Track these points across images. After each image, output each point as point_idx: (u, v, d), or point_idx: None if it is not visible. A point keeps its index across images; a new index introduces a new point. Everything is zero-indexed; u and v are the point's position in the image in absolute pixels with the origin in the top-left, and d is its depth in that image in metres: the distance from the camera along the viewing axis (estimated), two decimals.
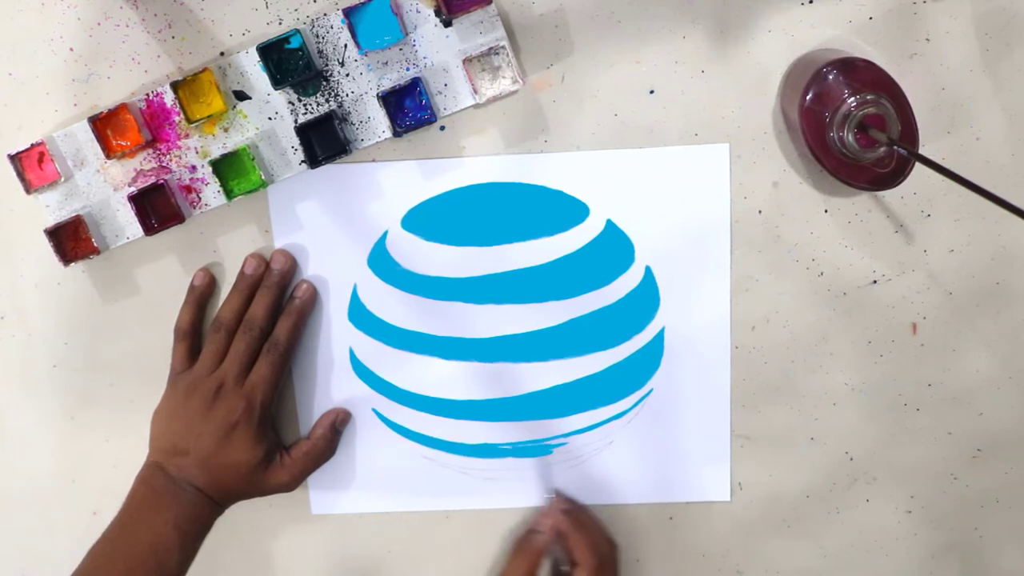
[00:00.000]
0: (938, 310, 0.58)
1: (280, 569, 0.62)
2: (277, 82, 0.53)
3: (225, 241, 0.57)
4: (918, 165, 0.51)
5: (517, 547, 0.58)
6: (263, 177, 0.54)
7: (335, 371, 0.59)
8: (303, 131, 0.54)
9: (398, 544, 0.62)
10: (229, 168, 0.54)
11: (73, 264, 0.55)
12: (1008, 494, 0.60)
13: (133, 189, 0.55)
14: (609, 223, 0.57)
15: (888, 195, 0.56)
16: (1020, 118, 0.55)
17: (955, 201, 0.56)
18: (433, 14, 0.53)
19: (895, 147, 0.49)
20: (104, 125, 0.53)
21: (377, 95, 0.53)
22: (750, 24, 0.54)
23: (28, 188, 0.54)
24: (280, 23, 0.54)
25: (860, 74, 0.51)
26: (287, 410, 0.60)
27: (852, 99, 0.50)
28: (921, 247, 0.57)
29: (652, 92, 0.55)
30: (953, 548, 0.61)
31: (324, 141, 0.54)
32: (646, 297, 0.58)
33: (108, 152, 0.53)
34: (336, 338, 0.59)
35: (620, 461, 0.60)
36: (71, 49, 0.55)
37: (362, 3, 0.52)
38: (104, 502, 0.60)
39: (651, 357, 0.58)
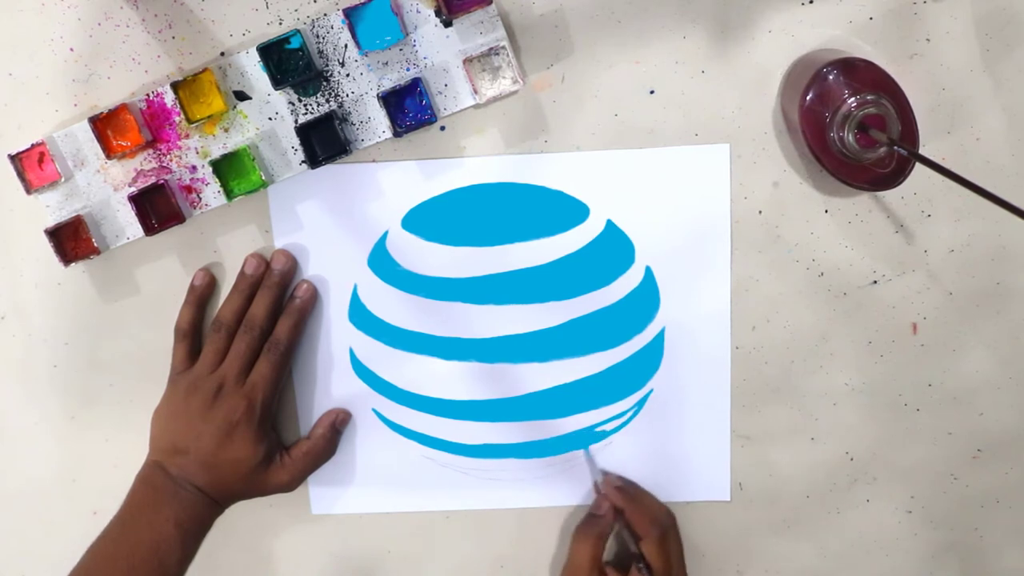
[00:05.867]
0: (938, 310, 0.58)
1: (280, 569, 0.62)
2: (277, 82, 0.53)
3: (225, 241, 0.57)
4: (918, 165, 0.51)
5: (579, 533, 0.58)
6: (263, 177, 0.54)
7: (335, 371, 0.59)
8: (303, 131, 0.54)
9: (398, 544, 0.62)
10: (229, 168, 0.54)
11: (73, 264, 0.55)
12: (1008, 494, 0.60)
13: (133, 189, 0.55)
14: (609, 223, 0.57)
15: (888, 195, 0.56)
16: (1020, 118, 0.55)
17: (955, 201, 0.56)
18: (433, 14, 0.53)
19: (895, 147, 0.49)
20: (104, 125, 0.53)
21: (377, 95, 0.53)
22: (750, 24, 0.54)
23: (28, 188, 0.54)
24: (280, 23, 0.54)
25: (860, 74, 0.51)
26: (287, 410, 0.60)
27: (852, 99, 0.50)
28: (921, 247, 0.57)
29: (652, 92, 0.55)
30: (953, 548, 0.61)
31: (324, 141, 0.54)
32: (646, 297, 0.58)
33: (108, 152, 0.53)
34: (336, 338, 0.59)
35: (620, 461, 0.60)
36: (71, 49, 0.55)
37: (362, 3, 0.52)
38: (104, 502, 0.60)
39: (651, 357, 0.58)
